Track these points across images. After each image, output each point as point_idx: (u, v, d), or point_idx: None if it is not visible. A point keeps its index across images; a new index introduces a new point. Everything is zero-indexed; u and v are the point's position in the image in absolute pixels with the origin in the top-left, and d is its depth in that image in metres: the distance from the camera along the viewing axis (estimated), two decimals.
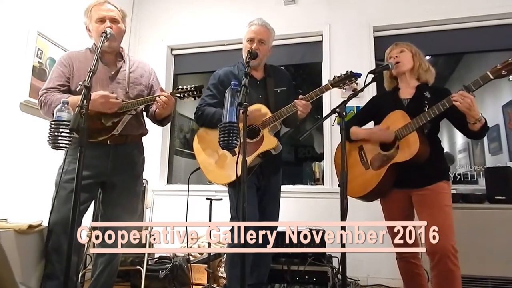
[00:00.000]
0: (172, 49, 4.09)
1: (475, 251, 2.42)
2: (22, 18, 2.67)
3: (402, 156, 1.87)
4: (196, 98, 1.99)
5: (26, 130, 2.63)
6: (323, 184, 3.47)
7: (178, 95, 1.96)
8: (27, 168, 2.62)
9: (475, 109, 1.71)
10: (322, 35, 3.59)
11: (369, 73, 1.95)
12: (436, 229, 1.58)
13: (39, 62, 2.76)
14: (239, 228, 1.51)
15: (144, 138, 2.20)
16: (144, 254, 2.82)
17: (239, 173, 1.53)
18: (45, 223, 1.98)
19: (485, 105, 3.88)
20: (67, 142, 1.51)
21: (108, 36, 1.84)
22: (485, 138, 3.55)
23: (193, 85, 1.95)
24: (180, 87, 1.98)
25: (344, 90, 2.06)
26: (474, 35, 3.30)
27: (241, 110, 1.55)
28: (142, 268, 2.75)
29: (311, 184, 3.87)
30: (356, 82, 2.01)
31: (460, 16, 3.28)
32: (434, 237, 1.71)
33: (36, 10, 2.80)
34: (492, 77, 1.67)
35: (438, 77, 2.10)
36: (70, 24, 2.96)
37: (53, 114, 1.86)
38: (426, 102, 1.84)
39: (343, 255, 1.67)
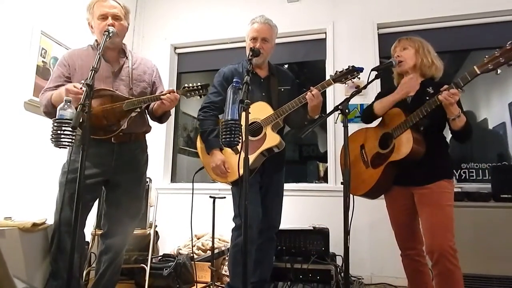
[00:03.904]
0: (175, 48, 4.10)
1: (480, 250, 2.40)
2: (26, 17, 2.69)
3: (396, 155, 1.88)
4: (202, 96, 1.99)
5: (30, 129, 2.65)
6: (327, 183, 3.46)
7: (186, 93, 1.95)
8: (31, 166, 2.64)
9: (455, 105, 1.72)
10: (325, 33, 3.58)
11: (372, 70, 1.94)
12: (434, 228, 1.58)
13: (43, 61, 2.78)
14: (242, 226, 1.51)
15: (147, 137, 2.20)
16: (148, 252, 2.83)
17: (241, 170, 1.52)
18: (49, 221, 2.00)
19: (492, 103, 3.84)
20: (70, 140, 1.52)
21: (110, 35, 1.84)
22: None
23: (199, 83, 1.95)
24: (186, 85, 1.96)
25: (346, 85, 2.04)
26: (480, 31, 3.27)
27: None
28: (146, 266, 2.77)
29: (315, 182, 3.85)
30: (359, 76, 1.99)
31: (466, 13, 3.25)
32: (431, 237, 1.71)
33: (40, 9, 2.81)
34: (478, 71, 1.66)
35: (444, 74, 2.08)
36: (73, 23, 2.97)
37: (45, 112, 1.87)
38: (427, 98, 1.82)
39: (346, 253, 1.66)
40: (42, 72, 2.74)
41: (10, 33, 2.57)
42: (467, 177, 3.25)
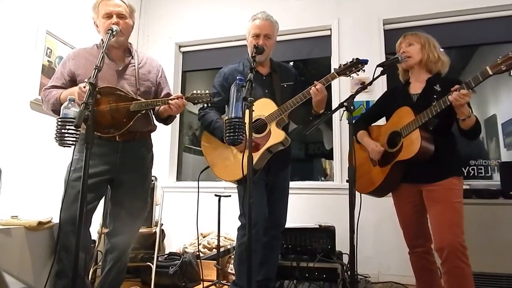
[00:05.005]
0: (180, 46, 4.10)
1: (489, 248, 2.36)
2: (31, 17, 2.70)
3: (404, 154, 1.86)
4: (208, 104, 1.97)
5: (36, 128, 2.66)
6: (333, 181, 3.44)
7: (194, 101, 1.94)
8: (37, 165, 2.66)
9: (466, 106, 1.71)
10: (330, 29, 3.55)
11: (377, 66, 1.92)
12: (443, 225, 1.55)
13: (48, 60, 2.79)
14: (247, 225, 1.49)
15: (153, 135, 2.20)
16: (154, 250, 2.84)
17: (245, 168, 1.51)
18: (55, 220, 2.01)
19: (500, 99, 3.78)
20: (74, 139, 1.51)
21: (114, 33, 1.84)
22: (500, 132, 3.45)
23: (207, 91, 1.93)
24: (195, 92, 1.95)
25: (351, 78, 2.03)
26: (488, 26, 3.22)
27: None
28: (152, 264, 2.77)
29: (322, 180, 3.83)
30: (364, 69, 1.97)
31: (474, 7, 3.19)
32: (440, 234, 1.68)
33: (45, 9, 2.82)
34: (491, 72, 1.62)
35: (452, 70, 2.05)
36: (78, 23, 2.99)
37: (53, 110, 1.88)
38: (435, 96, 1.80)
39: (352, 251, 1.64)
40: (48, 71, 2.75)
41: (15, 33, 2.59)
42: (476, 174, 3.21)
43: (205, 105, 1.97)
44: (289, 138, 2.12)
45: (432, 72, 1.98)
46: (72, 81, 1.99)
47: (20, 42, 2.62)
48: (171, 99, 1.92)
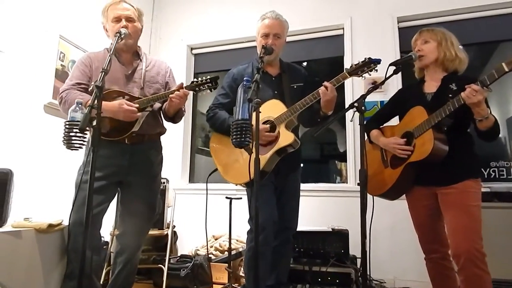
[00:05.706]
0: (192, 48, 4.11)
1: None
2: (45, 22, 2.75)
3: (416, 156, 1.80)
4: (212, 90, 1.97)
5: (49, 131, 2.70)
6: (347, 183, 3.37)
7: (195, 88, 1.94)
8: (51, 168, 2.69)
9: (484, 106, 1.61)
10: (343, 28, 3.49)
11: (390, 65, 1.85)
12: (460, 231, 1.48)
13: (61, 64, 2.83)
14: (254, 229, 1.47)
15: (165, 137, 2.19)
16: (165, 252, 2.84)
17: (252, 171, 1.47)
18: (66, 223, 2.02)
19: None
20: (81, 142, 1.52)
21: (122, 36, 1.85)
22: None
23: (208, 77, 1.94)
24: (195, 79, 1.96)
25: (363, 78, 1.96)
26: (510, 21, 3.08)
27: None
28: (164, 266, 2.77)
29: (338, 182, 3.76)
30: (376, 69, 1.90)
31: (493, 2, 3.07)
32: (457, 240, 1.60)
33: (58, 14, 2.87)
34: (507, 69, 1.54)
35: (471, 68, 1.96)
36: (90, 27, 3.02)
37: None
38: (450, 95, 1.72)
39: (364, 256, 1.59)
40: (61, 75, 2.79)
41: (29, 37, 2.63)
42: (497, 176, 3.07)
43: (209, 89, 1.95)
44: (299, 140, 2.07)
45: (448, 70, 1.90)
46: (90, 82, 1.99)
47: (33, 46, 2.66)
48: (171, 92, 1.92)
